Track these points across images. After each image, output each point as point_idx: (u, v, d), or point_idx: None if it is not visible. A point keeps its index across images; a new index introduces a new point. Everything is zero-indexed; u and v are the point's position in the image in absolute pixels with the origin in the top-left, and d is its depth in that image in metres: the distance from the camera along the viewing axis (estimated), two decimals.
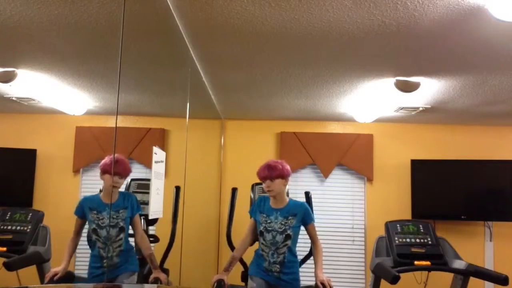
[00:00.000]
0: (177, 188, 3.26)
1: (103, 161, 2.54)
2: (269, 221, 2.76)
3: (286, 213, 2.77)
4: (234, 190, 3.76)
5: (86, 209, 2.56)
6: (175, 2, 1.97)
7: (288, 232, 2.73)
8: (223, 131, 4.94)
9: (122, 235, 2.56)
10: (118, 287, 2.25)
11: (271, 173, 2.74)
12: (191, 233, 4.11)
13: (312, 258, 3.36)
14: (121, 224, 2.55)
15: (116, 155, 2.55)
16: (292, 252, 2.77)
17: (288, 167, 2.81)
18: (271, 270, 2.74)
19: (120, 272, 2.56)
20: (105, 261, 2.54)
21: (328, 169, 4.84)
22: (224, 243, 3.79)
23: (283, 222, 2.74)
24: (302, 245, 3.25)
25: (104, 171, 2.52)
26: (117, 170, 2.49)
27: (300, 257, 3.00)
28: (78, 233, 2.65)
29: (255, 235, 2.89)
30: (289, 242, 2.74)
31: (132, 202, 2.61)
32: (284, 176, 2.77)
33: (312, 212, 3.76)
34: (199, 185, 4.24)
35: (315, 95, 3.67)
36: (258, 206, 2.87)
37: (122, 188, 2.79)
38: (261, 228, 2.78)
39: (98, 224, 2.51)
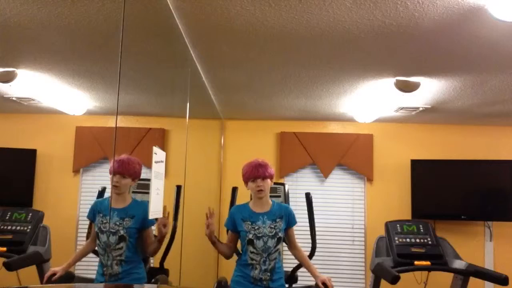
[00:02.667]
0: (178, 187, 3.23)
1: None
2: (256, 227, 2.59)
3: (273, 216, 2.62)
4: (234, 189, 3.75)
5: (96, 211, 2.48)
6: (175, 2, 1.97)
7: (280, 235, 2.60)
8: (223, 131, 4.94)
9: (122, 245, 2.42)
10: (118, 286, 2.24)
11: (265, 172, 2.60)
12: (191, 233, 4.11)
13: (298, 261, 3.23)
14: (121, 232, 2.41)
15: (123, 155, 2.46)
16: (280, 257, 2.66)
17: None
18: (261, 279, 2.57)
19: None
20: (105, 268, 2.44)
21: (328, 169, 4.84)
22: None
23: (272, 226, 2.60)
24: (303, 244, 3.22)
25: (109, 172, 2.48)
26: (118, 169, 2.39)
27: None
28: (94, 238, 2.53)
29: (234, 249, 2.75)
30: (279, 246, 2.62)
31: (143, 213, 2.43)
32: (272, 177, 2.67)
33: (313, 213, 3.76)
34: (199, 185, 4.24)
35: (315, 95, 3.67)
36: (236, 216, 2.67)
37: None
38: (250, 236, 2.59)
39: (100, 228, 2.43)
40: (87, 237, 2.57)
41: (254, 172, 2.59)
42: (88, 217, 2.53)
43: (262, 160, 2.67)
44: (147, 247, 2.51)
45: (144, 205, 2.45)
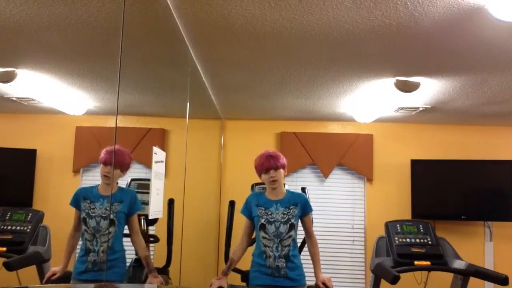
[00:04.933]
0: (170, 201, 3.19)
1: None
2: (269, 212, 2.65)
3: (287, 203, 2.67)
4: (232, 204, 3.66)
5: (80, 198, 2.51)
6: (175, 2, 1.97)
7: (292, 221, 2.63)
8: (223, 131, 4.94)
9: (111, 229, 2.47)
10: (118, 286, 2.24)
11: (276, 162, 2.64)
12: (191, 233, 4.10)
13: (305, 254, 3.31)
14: (111, 216, 2.47)
15: (115, 146, 2.52)
16: (295, 245, 2.67)
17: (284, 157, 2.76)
18: (277, 266, 2.59)
19: (107, 279, 2.47)
20: (91, 254, 2.44)
21: (328, 169, 4.84)
22: (224, 243, 3.79)
23: (285, 212, 2.64)
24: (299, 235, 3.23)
25: (100, 162, 2.50)
26: (109, 160, 2.44)
27: None
28: (77, 228, 2.58)
29: (251, 236, 2.79)
30: (292, 233, 2.63)
31: (131, 198, 2.53)
32: (285, 166, 2.72)
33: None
34: (199, 185, 4.24)
35: (315, 95, 3.67)
36: (252, 202, 2.73)
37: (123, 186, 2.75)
38: (262, 220, 2.64)
39: (88, 214, 2.46)
40: (73, 227, 2.60)
41: (266, 164, 2.65)
42: (71, 204, 2.56)
43: (273, 151, 2.73)
44: (139, 243, 2.56)
45: (131, 192, 2.57)
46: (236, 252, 2.74)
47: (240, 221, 2.92)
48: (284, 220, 2.64)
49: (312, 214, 2.83)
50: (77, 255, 2.55)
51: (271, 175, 2.64)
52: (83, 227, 2.48)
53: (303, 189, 3.84)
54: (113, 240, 2.49)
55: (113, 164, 2.44)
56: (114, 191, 2.53)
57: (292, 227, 2.64)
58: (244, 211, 2.78)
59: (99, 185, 2.55)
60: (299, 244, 3.56)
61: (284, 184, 2.83)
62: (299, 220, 2.73)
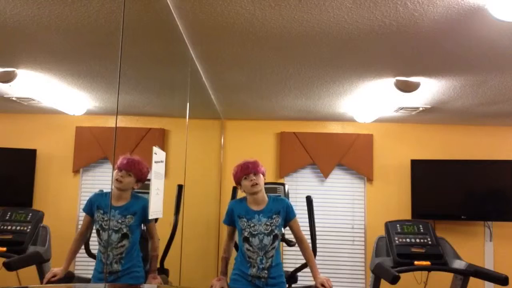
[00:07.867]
0: (180, 187, 3.26)
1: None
2: (252, 224, 2.55)
3: (269, 213, 2.57)
4: (235, 189, 3.74)
5: (94, 206, 2.44)
6: (175, 2, 1.97)
7: (276, 232, 2.56)
8: (223, 131, 4.94)
9: (125, 242, 2.40)
10: (118, 286, 2.24)
11: (256, 167, 2.57)
12: (191, 233, 4.11)
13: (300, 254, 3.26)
14: (124, 230, 2.39)
15: (135, 156, 2.45)
16: (278, 254, 2.61)
17: None
18: (259, 276, 2.54)
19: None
20: (104, 267, 2.42)
21: (328, 169, 4.84)
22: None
23: (268, 223, 2.55)
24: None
25: (116, 168, 2.41)
26: (125, 165, 2.39)
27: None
28: (82, 234, 2.53)
29: (234, 235, 2.72)
30: (276, 244, 2.57)
31: (143, 208, 2.42)
32: (264, 174, 2.64)
33: (313, 217, 3.72)
34: (199, 185, 4.24)
35: (315, 95, 3.67)
36: (234, 212, 2.62)
37: None
38: (245, 234, 2.55)
39: (101, 226, 2.41)
40: (80, 232, 2.55)
41: (245, 169, 2.56)
42: (85, 210, 2.48)
43: (250, 158, 2.65)
44: (153, 243, 2.55)
45: (144, 200, 2.45)
46: (227, 251, 2.70)
47: None
48: (268, 231, 2.55)
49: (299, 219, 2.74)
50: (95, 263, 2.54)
51: (251, 179, 2.54)
52: (97, 238, 2.43)
53: (308, 198, 3.76)
54: (127, 251, 2.43)
55: (113, 165, 2.43)
56: (127, 201, 2.45)
57: (276, 237, 2.57)
58: (226, 221, 2.67)
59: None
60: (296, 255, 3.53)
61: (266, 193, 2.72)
62: (285, 227, 2.66)
